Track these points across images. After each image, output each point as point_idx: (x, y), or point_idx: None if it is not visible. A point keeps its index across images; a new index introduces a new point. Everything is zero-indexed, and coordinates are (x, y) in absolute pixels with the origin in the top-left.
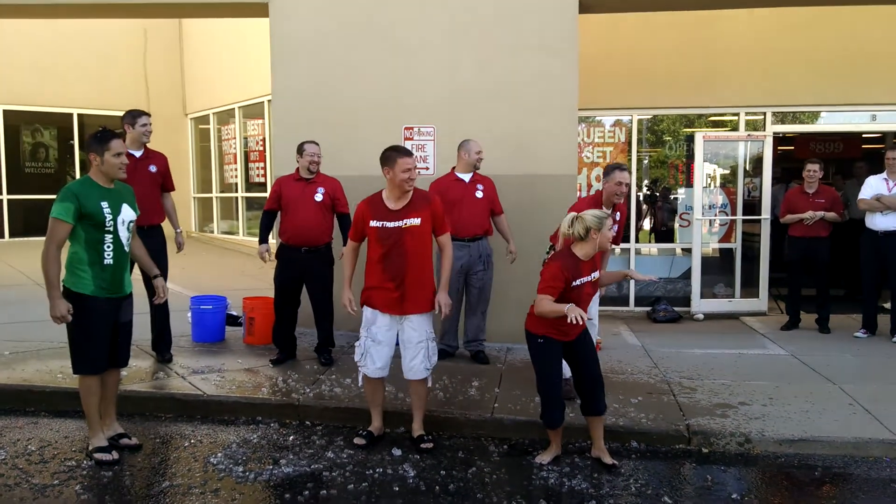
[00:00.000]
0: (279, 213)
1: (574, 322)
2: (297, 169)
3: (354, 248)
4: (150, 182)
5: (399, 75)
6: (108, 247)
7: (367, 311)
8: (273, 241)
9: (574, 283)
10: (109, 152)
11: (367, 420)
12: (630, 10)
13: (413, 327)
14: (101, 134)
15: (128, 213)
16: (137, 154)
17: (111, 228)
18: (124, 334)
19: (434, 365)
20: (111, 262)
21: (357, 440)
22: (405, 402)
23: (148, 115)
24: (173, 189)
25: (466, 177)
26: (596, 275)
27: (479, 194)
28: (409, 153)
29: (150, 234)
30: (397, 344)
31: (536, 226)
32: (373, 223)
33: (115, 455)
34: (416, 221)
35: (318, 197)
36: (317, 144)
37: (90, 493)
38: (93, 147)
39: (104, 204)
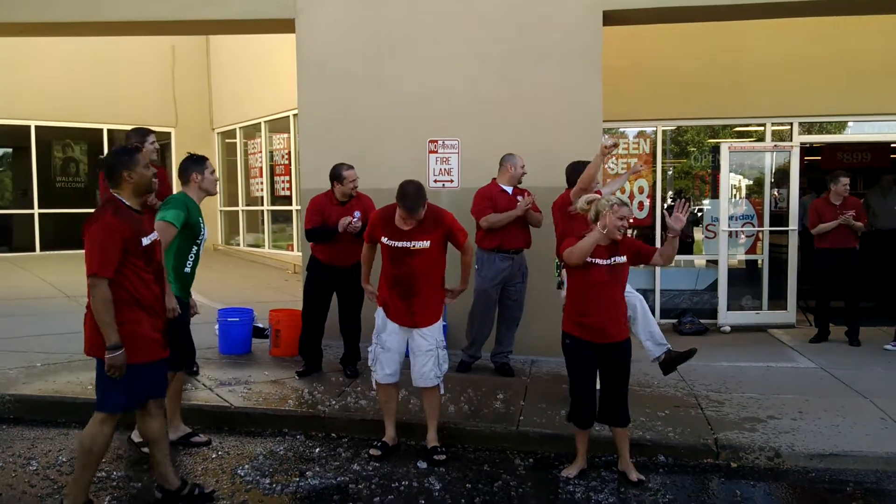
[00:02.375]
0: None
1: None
2: (333, 191)
3: (371, 248)
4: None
5: (424, 89)
6: (191, 257)
7: (379, 318)
8: (298, 253)
9: (588, 260)
10: (207, 170)
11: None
12: (655, 23)
13: (422, 336)
14: (196, 157)
15: (205, 230)
16: None
17: (200, 241)
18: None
19: (444, 372)
20: (189, 270)
21: (372, 451)
22: None
23: (153, 132)
24: None
25: (509, 189)
26: (619, 260)
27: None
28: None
29: None
30: (407, 354)
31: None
32: (384, 240)
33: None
34: (426, 244)
35: (356, 223)
36: (353, 168)
37: (120, 503)
38: (193, 168)
39: (200, 219)
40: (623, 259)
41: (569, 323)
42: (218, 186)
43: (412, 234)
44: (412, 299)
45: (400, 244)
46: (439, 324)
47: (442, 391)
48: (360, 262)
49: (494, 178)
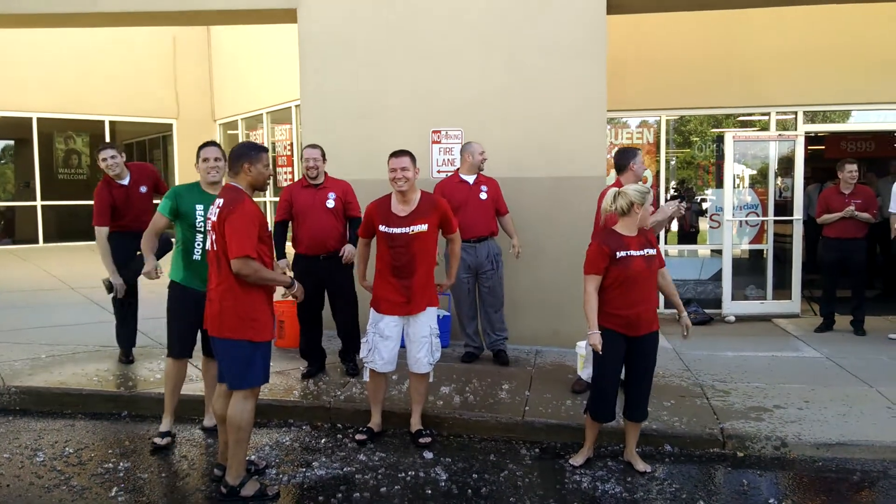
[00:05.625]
0: (290, 223)
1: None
2: (304, 175)
3: (365, 244)
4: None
5: (428, 79)
6: (198, 245)
7: (373, 313)
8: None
9: (619, 255)
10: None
11: (396, 423)
12: (657, 11)
13: (418, 322)
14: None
15: (204, 217)
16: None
17: (198, 229)
18: None
19: (437, 360)
20: (199, 258)
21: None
22: (435, 405)
23: (112, 146)
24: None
25: (471, 178)
26: (651, 252)
27: (484, 195)
28: (398, 154)
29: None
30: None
31: (564, 227)
32: (381, 228)
33: (164, 441)
34: (423, 228)
35: (330, 203)
36: (315, 148)
37: (128, 494)
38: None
39: (199, 207)
40: (654, 252)
41: (604, 317)
42: (210, 175)
43: (410, 220)
44: (410, 286)
45: (399, 230)
46: (433, 310)
47: (431, 378)
48: (338, 251)
49: (457, 170)
